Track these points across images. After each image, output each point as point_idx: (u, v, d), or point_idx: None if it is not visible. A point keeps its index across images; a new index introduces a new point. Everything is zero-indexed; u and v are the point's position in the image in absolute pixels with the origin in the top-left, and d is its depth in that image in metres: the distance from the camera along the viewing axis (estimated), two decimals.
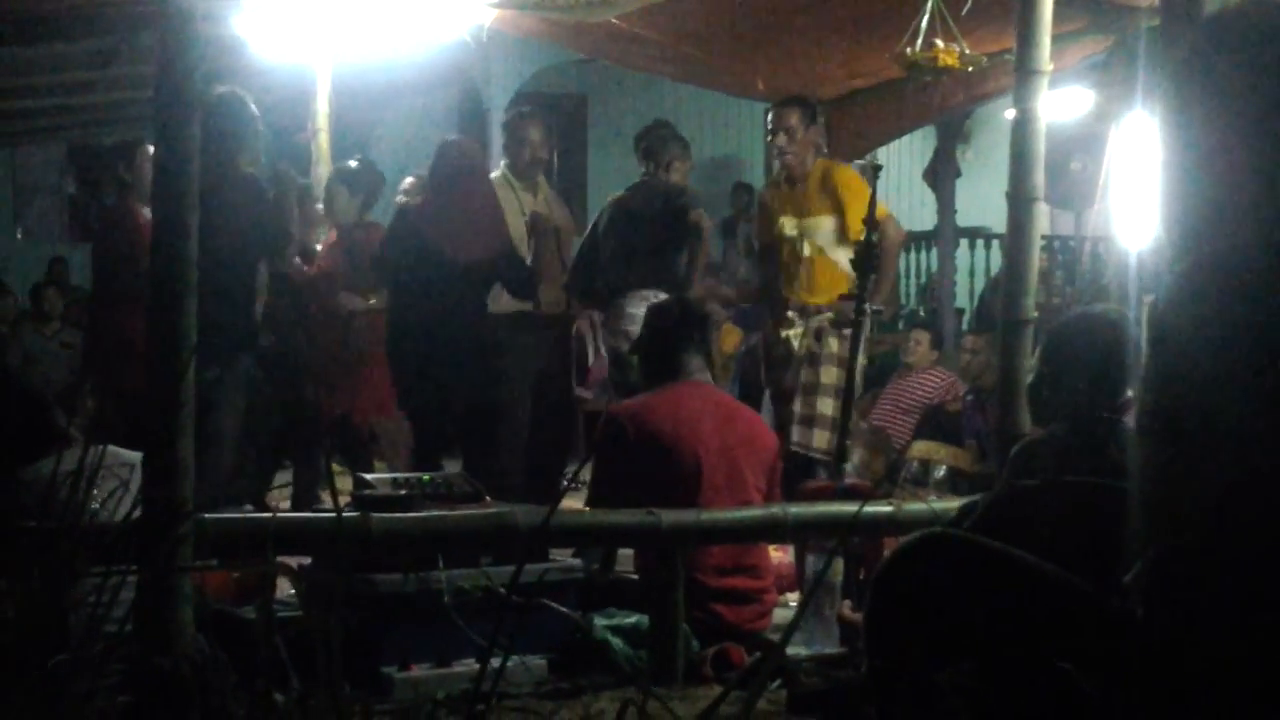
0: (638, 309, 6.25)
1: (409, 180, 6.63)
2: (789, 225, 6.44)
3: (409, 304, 6.30)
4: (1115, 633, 1.66)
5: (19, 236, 14.38)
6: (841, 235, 6.30)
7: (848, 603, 4.43)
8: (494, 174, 6.85)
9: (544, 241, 6.54)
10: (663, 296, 6.08)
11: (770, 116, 6.57)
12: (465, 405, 6.22)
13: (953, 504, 4.65)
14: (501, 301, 6.49)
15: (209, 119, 5.64)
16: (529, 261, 6.46)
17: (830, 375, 6.19)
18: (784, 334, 6.43)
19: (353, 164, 7.46)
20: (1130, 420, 3.95)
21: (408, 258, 6.27)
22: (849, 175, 6.47)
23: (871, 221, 5.57)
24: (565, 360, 6.82)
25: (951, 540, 1.88)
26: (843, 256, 6.20)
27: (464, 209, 6.25)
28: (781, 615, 4.72)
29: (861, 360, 6.32)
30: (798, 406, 6.36)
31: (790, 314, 6.42)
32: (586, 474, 6.11)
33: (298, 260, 7.14)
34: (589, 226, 6.87)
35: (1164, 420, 1.59)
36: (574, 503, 5.57)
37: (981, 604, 1.76)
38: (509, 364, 6.41)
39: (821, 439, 6.16)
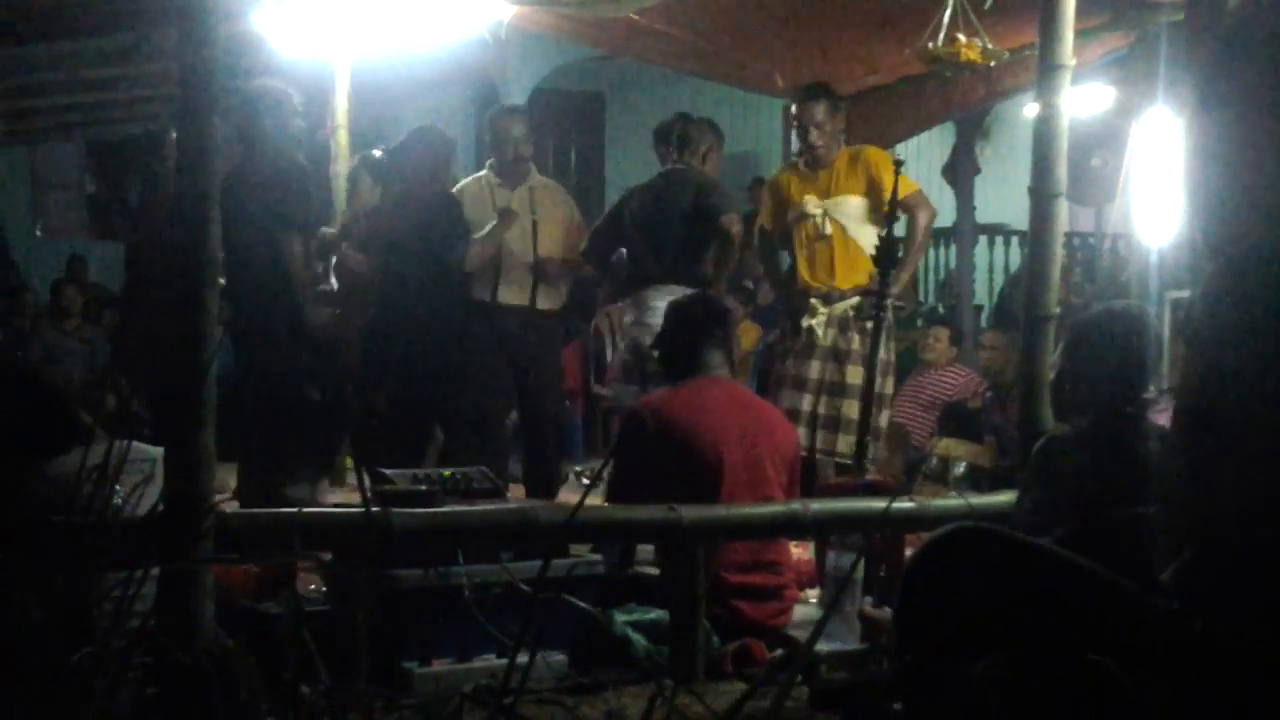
0: (662, 303, 6.24)
1: None
2: (811, 203, 6.38)
3: (385, 290, 6.45)
4: (1151, 627, 1.65)
5: (38, 233, 14.41)
6: (872, 213, 6.23)
7: (869, 599, 4.41)
8: (480, 172, 6.89)
9: (501, 229, 6.56)
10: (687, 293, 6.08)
11: (795, 110, 6.53)
12: (429, 395, 6.30)
13: (987, 499, 4.63)
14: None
15: (250, 110, 5.83)
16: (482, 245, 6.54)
17: (856, 376, 6.09)
18: (806, 323, 6.36)
19: (376, 153, 7.50)
20: (1153, 416, 3.95)
21: (383, 243, 6.47)
22: (880, 154, 6.41)
23: (892, 214, 5.54)
24: (548, 357, 6.82)
25: (983, 533, 1.86)
26: (867, 238, 6.10)
27: (419, 191, 6.42)
28: (801, 611, 4.71)
29: (889, 357, 6.29)
30: (822, 408, 6.29)
31: (813, 301, 6.37)
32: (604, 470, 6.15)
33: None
34: (615, 205, 6.82)
35: (1201, 419, 1.58)
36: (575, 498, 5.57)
37: (1013, 596, 1.74)
38: (472, 354, 6.45)
39: (846, 444, 6.08)
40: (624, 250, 6.77)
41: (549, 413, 6.84)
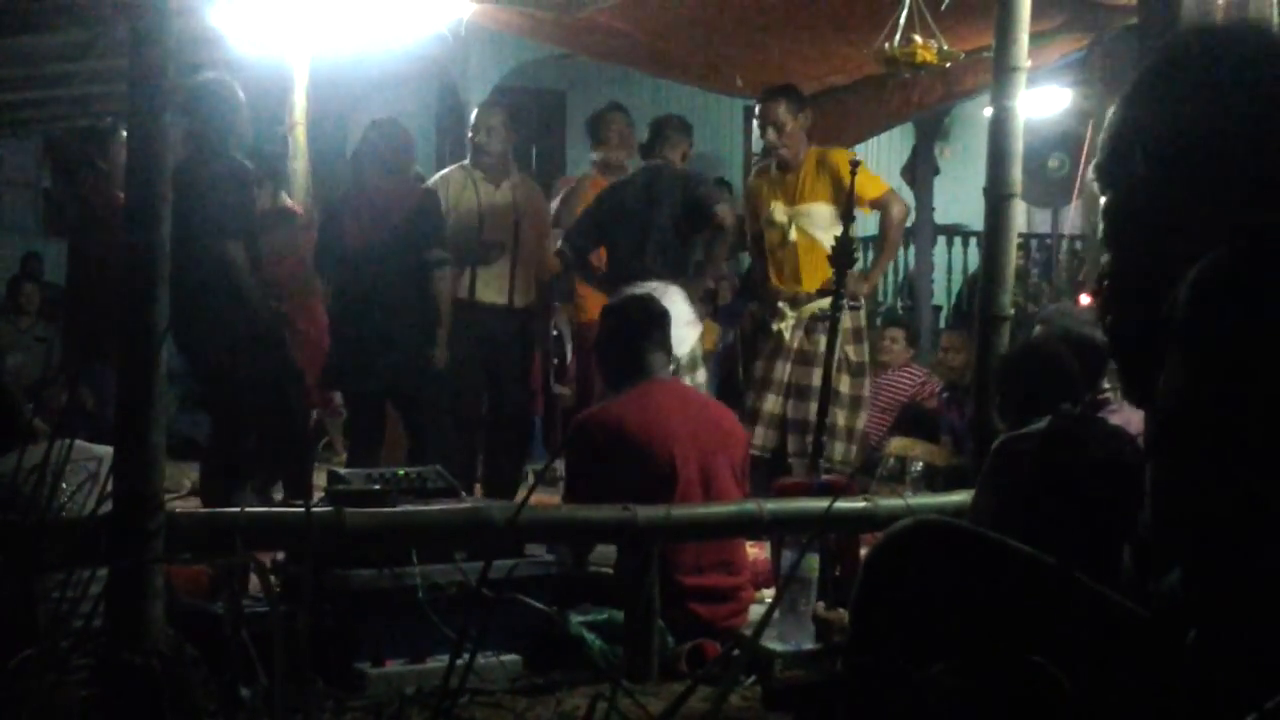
0: None
1: None
2: (779, 211, 6.37)
3: (346, 285, 6.39)
4: (1124, 633, 1.62)
5: None
6: (840, 218, 6.21)
7: (820, 604, 4.40)
8: (465, 161, 6.85)
9: (495, 232, 6.57)
10: (672, 288, 6.01)
11: (757, 110, 6.51)
12: (395, 387, 6.26)
13: (930, 500, 4.65)
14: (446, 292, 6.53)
15: (195, 105, 5.72)
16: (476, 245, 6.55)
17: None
18: (775, 327, 6.35)
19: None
20: (1106, 415, 3.97)
21: (341, 242, 6.36)
22: (847, 157, 6.35)
23: (848, 215, 5.55)
24: (520, 355, 6.79)
25: (944, 527, 1.81)
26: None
27: (386, 184, 6.33)
28: (758, 612, 4.70)
29: (861, 359, 6.30)
30: (790, 412, 6.29)
31: (781, 305, 6.36)
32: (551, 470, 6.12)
33: None
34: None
35: (1185, 430, 1.55)
36: (545, 497, 5.54)
37: (975, 593, 1.70)
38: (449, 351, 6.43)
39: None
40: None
41: (516, 412, 6.83)
